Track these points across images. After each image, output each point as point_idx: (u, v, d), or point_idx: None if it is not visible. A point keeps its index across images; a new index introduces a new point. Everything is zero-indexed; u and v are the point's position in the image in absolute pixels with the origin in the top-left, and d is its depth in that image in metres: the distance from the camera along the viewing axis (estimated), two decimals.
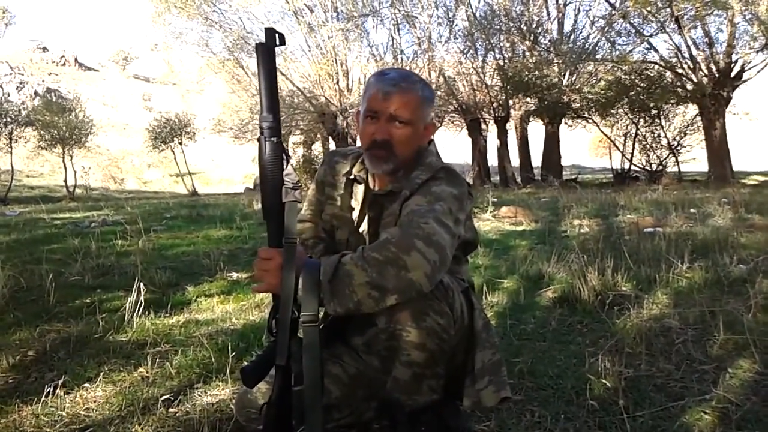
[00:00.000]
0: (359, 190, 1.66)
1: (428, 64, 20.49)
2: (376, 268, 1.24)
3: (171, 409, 1.94)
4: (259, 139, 1.28)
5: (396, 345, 1.38)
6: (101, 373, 2.22)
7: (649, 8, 14.82)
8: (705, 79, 15.63)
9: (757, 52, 14.91)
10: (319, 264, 1.29)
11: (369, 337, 1.66)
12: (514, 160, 21.83)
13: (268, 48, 1.25)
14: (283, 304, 1.26)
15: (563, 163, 21.69)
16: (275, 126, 1.26)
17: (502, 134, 21.17)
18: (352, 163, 1.68)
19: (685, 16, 14.81)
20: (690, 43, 15.65)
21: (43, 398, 1.98)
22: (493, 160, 22.83)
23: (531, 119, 21.55)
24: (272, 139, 1.26)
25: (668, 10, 14.72)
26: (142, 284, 3.07)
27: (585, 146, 37.08)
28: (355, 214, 1.67)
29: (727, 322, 2.54)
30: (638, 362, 2.23)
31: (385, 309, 1.29)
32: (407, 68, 20.00)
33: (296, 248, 1.28)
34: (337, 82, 19.23)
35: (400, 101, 1.49)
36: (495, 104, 20.75)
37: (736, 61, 15.48)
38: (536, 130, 22.55)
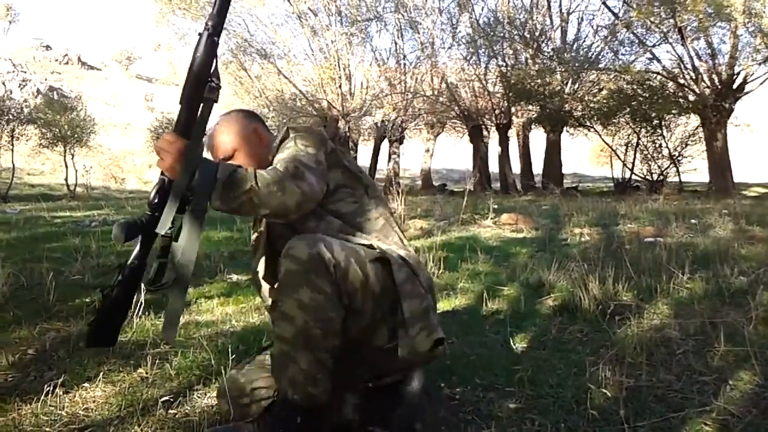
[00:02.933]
0: None
1: (431, 70, 20.57)
2: (262, 183, 1.41)
3: (170, 411, 1.94)
4: (200, 34, 1.38)
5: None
6: (101, 373, 2.22)
7: (652, 18, 14.87)
8: (707, 90, 15.66)
9: (760, 64, 14.93)
10: (217, 164, 1.44)
11: None
12: (515, 167, 21.87)
13: None
14: (177, 184, 1.40)
15: (564, 171, 21.70)
16: (219, 27, 1.39)
17: (504, 141, 21.22)
18: None
19: (689, 27, 14.86)
20: (693, 54, 15.69)
21: (42, 397, 1.97)
22: (494, 166, 22.89)
23: (533, 127, 21.61)
24: (213, 38, 1.38)
25: (671, 20, 14.78)
26: (142, 284, 3.06)
27: (586, 155, 37.09)
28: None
29: (728, 334, 2.54)
30: (639, 372, 2.23)
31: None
32: (410, 74, 20.10)
33: (200, 144, 1.44)
34: (340, 86, 19.28)
35: (210, 150, 1.79)
36: (497, 111, 20.81)
37: (738, 73, 15.50)
38: (538, 138, 22.60)
